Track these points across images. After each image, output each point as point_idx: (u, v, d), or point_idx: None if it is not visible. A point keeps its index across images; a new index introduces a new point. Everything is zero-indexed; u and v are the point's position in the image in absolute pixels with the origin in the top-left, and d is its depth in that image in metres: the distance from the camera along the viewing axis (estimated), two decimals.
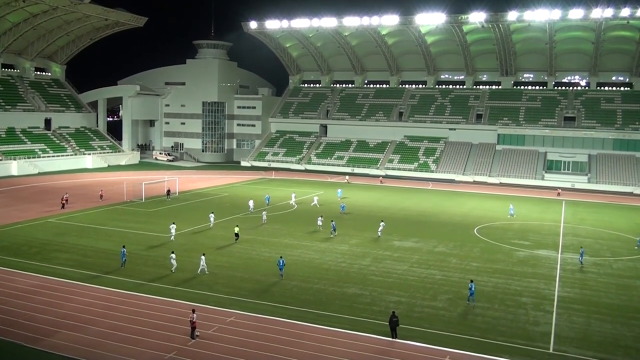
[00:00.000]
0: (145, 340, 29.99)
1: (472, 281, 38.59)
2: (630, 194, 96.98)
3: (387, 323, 31.62)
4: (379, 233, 56.97)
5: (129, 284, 39.19)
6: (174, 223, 54.50)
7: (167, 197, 77.38)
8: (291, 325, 32.64)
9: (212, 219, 60.09)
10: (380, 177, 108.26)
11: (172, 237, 52.43)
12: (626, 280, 44.16)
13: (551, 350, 30.31)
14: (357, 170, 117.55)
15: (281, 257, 43.04)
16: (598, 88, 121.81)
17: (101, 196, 75.35)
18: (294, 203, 75.05)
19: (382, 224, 58.27)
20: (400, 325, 31.48)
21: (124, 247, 44.86)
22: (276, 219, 64.39)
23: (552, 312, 36.20)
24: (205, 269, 42.66)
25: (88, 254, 47.33)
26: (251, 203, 70.02)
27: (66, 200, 69.28)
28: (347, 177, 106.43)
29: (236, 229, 54.16)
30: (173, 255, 43.00)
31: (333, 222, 58.08)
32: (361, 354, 29.17)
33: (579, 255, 48.77)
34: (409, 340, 30.96)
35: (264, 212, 63.89)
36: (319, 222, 59.72)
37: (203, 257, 43.27)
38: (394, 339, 31.02)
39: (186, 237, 54.24)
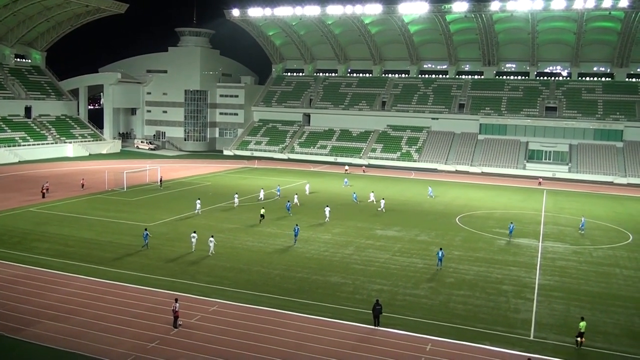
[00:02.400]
0: (128, 330, 29.92)
1: (441, 249, 44.09)
2: (611, 183, 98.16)
3: (371, 311, 31.83)
4: (327, 219, 58.57)
5: (112, 274, 39.00)
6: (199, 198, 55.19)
7: (160, 186, 77.45)
8: (274, 314, 32.72)
9: (198, 205, 60.76)
10: (363, 167, 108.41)
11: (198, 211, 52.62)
12: (606, 268, 44.77)
13: (532, 337, 30.70)
14: (340, 159, 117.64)
15: (145, 229, 46.93)
16: (579, 78, 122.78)
17: (82, 185, 74.80)
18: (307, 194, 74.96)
19: (327, 208, 59.76)
20: (383, 314, 31.66)
21: (146, 229, 47.07)
22: (258, 207, 64.19)
23: (533, 299, 36.64)
24: (211, 251, 44.48)
25: (69, 243, 46.99)
26: (262, 193, 70.97)
27: (47, 189, 68.58)
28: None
29: (262, 211, 58.08)
30: (195, 235, 45.49)
31: (288, 203, 61.81)
32: (343, 342, 29.33)
33: (509, 231, 51.45)
34: (391, 328, 31.19)
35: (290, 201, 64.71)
36: (327, 213, 59.57)
37: (212, 239, 44.90)
38: (376, 327, 31.25)
39: (170, 226, 54.04)
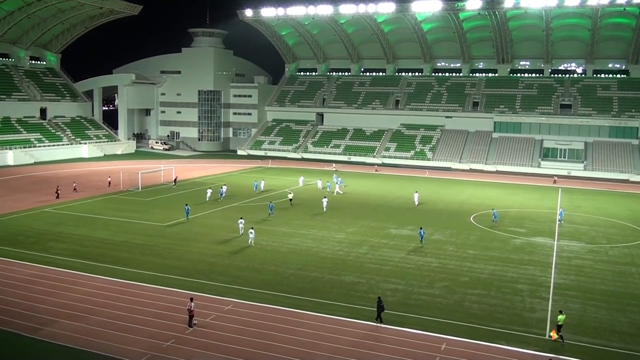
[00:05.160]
0: (144, 329, 30.10)
1: (421, 228, 50.59)
2: (626, 181, 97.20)
3: (376, 309, 31.95)
4: (324, 209, 62.75)
5: (127, 273, 39.25)
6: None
7: (174, 185, 78.57)
8: (289, 313, 32.77)
9: (209, 193, 67.85)
10: (376, 166, 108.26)
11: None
12: (622, 267, 44.38)
13: (547, 337, 30.49)
14: (353, 158, 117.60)
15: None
16: (594, 75, 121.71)
17: (109, 183, 76.76)
18: (339, 191, 76.18)
19: (324, 200, 64.12)
20: (397, 313, 31.66)
21: (187, 204, 57.04)
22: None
23: (548, 298, 36.41)
24: (251, 241, 47.37)
25: (85, 243, 47.33)
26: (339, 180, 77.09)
27: (75, 189, 71.34)
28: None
29: (290, 196, 66.82)
30: (241, 220, 50.26)
31: (271, 204, 61.92)
32: (358, 341, 29.31)
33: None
34: (406, 327, 31.13)
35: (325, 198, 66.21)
36: (324, 204, 63.79)
37: (252, 230, 47.87)
38: (379, 324, 31.39)
39: (184, 226, 54.29)
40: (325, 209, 63.16)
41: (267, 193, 73.63)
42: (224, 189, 71.24)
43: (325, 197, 65.75)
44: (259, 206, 64.63)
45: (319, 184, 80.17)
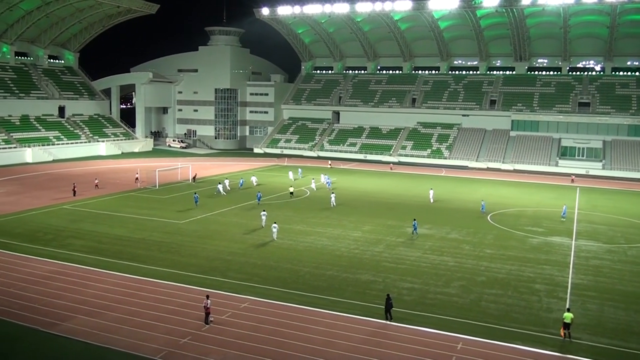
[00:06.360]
0: (161, 326, 30.29)
1: (415, 219, 52.85)
2: None
3: (384, 306, 32.01)
4: (333, 204, 64.70)
5: (144, 270, 39.50)
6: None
7: (193, 182, 79.71)
8: (304, 311, 32.82)
9: (220, 187, 71.13)
10: (391, 164, 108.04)
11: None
12: None
13: (565, 337, 30.27)
14: (369, 157, 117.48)
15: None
16: (613, 73, 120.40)
17: (137, 179, 77.98)
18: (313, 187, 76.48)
19: (332, 195, 66.26)
20: (413, 312, 31.58)
21: (195, 193, 60.82)
22: (288, 206, 64.53)
23: (566, 299, 36.11)
24: (275, 236, 48.63)
25: (103, 240, 47.71)
26: (313, 183, 77.88)
27: (96, 185, 73.05)
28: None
29: (313, 184, 74.85)
30: (275, 226, 49.44)
31: (259, 193, 66.94)
32: (374, 340, 29.27)
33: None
34: (422, 326, 31.04)
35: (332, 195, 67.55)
36: (332, 200, 65.58)
37: (275, 225, 49.38)
38: (388, 321, 31.43)
39: (201, 223, 54.54)
40: (333, 204, 64.70)
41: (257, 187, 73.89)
42: (242, 181, 77.40)
43: (333, 193, 67.64)
44: (276, 204, 64.68)
45: (290, 175, 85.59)
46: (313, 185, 76.98)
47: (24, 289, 35.29)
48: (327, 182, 79.89)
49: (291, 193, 70.54)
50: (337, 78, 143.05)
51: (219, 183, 73.08)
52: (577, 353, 28.34)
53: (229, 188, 73.18)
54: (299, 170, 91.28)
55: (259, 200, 65.46)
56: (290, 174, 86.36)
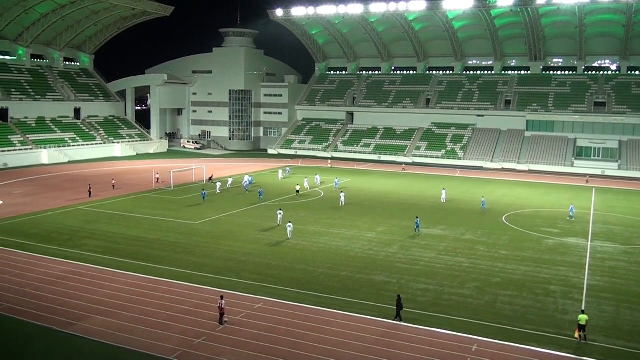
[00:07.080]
0: (175, 326, 30.42)
1: (417, 217, 54.20)
2: None
3: (395, 307, 32.01)
4: (342, 202, 65.64)
5: (159, 271, 39.71)
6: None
7: (209, 182, 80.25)
8: (319, 312, 32.82)
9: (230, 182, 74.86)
10: (403, 165, 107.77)
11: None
12: None
13: (582, 341, 30.00)
14: (383, 157, 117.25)
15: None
16: (629, 72, 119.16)
17: (157, 179, 78.89)
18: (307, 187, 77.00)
19: (342, 194, 67.21)
20: (428, 313, 31.49)
21: (203, 189, 64.03)
22: (302, 207, 64.57)
23: (582, 300, 35.82)
24: (290, 236, 49.38)
25: (118, 240, 48.02)
26: (337, 181, 79.88)
27: (113, 186, 73.93)
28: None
29: (297, 187, 72.79)
30: (290, 225, 50.17)
31: (260, 190, 69.29)
32: (388, 341, 29.22)
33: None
34: (437, 327, 30.93)
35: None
36: (342, 199, 66.54)
37: (290, 224, 50.32)
38: (398, 322, 31.42)
39: (215, 224, 54.72)
40: (342, 203, 65.65)
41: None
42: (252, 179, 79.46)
43: (342, 192, 68.48)
44: (290, 205, 64.75)
45: (280, 174, 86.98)
46: (306, 185, 77.42)
47: (39, 289, 35.61)
48: (318, 183, 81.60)
49: (297, 191, 72.05)
50: (351, 79, 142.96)
51: (219, 182, 75.26)
52: (593, 355, 28.09)
53: (228, 187, 75.36)
54: (287, 169, 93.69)
55: (260, 195, 68.29)
56: (280, 173, 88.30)
